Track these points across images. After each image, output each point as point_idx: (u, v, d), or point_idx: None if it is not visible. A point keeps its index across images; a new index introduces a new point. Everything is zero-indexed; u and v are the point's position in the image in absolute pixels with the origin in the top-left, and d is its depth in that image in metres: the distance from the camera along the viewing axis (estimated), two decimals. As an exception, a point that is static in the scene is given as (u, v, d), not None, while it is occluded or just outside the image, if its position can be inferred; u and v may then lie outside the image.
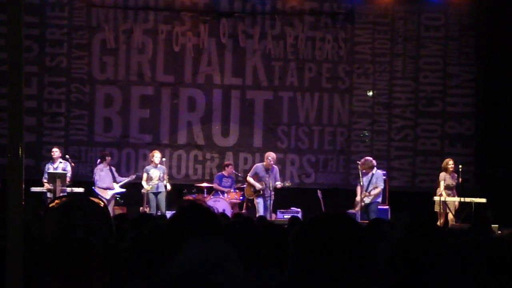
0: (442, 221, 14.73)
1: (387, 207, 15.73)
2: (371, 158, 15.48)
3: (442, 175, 15.40)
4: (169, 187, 15.91)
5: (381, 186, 15.09)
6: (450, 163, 15.40)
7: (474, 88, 18.06)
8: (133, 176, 16.45)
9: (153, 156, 16.02)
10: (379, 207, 15.21)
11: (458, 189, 15.30)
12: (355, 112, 18.16)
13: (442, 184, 15.29)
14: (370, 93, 18.19)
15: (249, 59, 18.11)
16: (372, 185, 14.98)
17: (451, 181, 15.28)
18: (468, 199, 15.10)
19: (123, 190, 16.18)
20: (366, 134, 18.16)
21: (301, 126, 18.10)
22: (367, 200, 14.86)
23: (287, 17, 18.16)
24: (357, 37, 18.19)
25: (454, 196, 15.26)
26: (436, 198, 15.14)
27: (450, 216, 14.96)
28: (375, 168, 15.23)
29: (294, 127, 18.09)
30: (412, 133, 18.12)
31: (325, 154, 18.07)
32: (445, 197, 15.13)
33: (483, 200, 15.06)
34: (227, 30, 18.03)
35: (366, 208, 14.87)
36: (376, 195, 15.05)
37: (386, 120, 18.16)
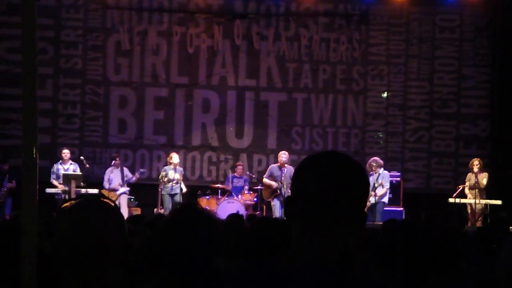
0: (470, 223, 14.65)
1: (402, 209, 15.65)
2: (378, 158, 15.42)
3: (468, 175, 15.37)
4: (184, 189, 16.03)
5: (386, 186, 15.04)
6: (475, 163, 15.31)
7: (489, 89, 17.98)
8: (138, 173, 16.35)
9: (171, 158, 16.09)
10: (388, 208, 15.12)
11: (480, 190, 15.18)
12: (370, 113, 18.12)
13: (467, 184, 15.26)
14: (385, 95, 18.14)
15: (263, 60, 18.11)
16: (379, 186, 14.92)
17: (474, 181, 15.17)
18: (483, 201, 15.02)
19: (127, 189, 16.15)
20: (381, 135, 18.11)
21: (315, 127, 18.07)
22: (372, 200, 14.78)
23: (301, 18, 18.14)
24: (371, 38, 18.15)
25: (478, 197, 15.12)
26: (451, 200, 15.08)
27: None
28: (382, 168, 15.18)
29: (308, 128, 18.06)
30: (426, 134, 18.06)
31: (339, 156, 17.99)
32: (460, 199, 15.06)
33: (499, 202, 14.98)
34: (241, 31, 18.04)
35: (372, 208, 14.78)
36: (382, 195, 14.99)
37: (400, 121, 18.10)
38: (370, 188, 14.64)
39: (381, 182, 14.93)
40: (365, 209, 2.11)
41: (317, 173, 2.06)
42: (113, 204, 2.28)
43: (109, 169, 16.24)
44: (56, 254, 2.18)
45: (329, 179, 2.03)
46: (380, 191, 14.90)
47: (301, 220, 2.05)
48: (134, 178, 16.25)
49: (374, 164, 15.08)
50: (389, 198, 15.29)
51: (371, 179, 14.85)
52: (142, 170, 16.62)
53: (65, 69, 17.79)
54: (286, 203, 2.14)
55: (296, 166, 2.16)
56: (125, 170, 16.34)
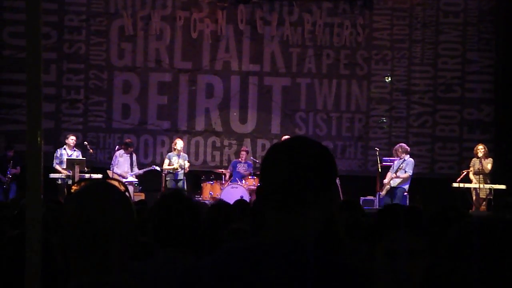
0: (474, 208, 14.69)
1: (406, 193, 15.67)
2: (404, 144, 15.53)
3: (473, 160, 15.39)
4: (187, 164, 16.01)
5: (409, 172, 15.07)
6: (479, 148, 15.33)
7: (493, 74, 17.93)
8: (150, 169, 16.39)
9: (175, 144, 16.11)
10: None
11: (484, 176, 15.19)
12: (373, 98, 18.09)
13: (471, 169, 15.28)
14: (388, 80, 18.10)
15: (267, 45, 18.07)
16: (401, 169, 14.99)
17: (478, 167, 15.19)
18: (487, 186, 15.01)
19: (135, 180, 16.13)
20: (384, 120, 18.09)
21: (319, 112, 18.06)
22: (393, 183, 14.86)
23: (305, 3, 18.08)
24: (375, 23, 18.09)
25: (483, 182, 15.13)
26: (455, 185, 15.08)
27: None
28: (408, 155, 15.26)
29: (312, 113, 18.05)
30: (430, 119, 18.03)
31: (343, 141, 18.02)
32: (464, 183, 15.07)
33: (503, 186, 14.97)
34: (244, 16, 17.98)
35: (391, 192, 14.91)
36: (404, 181, 15.03)
37: (404, 106, 18.08)
38: (393, 171, 14.75)
39: (403, 166, 14.96)
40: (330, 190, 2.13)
41: (274, 158, 2.14)
42: (122, 187, 2.28)
43: (119, 152, 16.14)
44: (63, 240, 2.18)
45: (283, 162, 2.10)
46: (401, 175, 14.97)
47: (268, 204, 2.13)
48: (142, 172, 16.24)
49: (400, 150, 15.23)
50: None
51: (396, 164, 14.97)
52: (153, 166, 16.54)
53: (69, 54, 17.77)
54: (257, 190, 2.24)
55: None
56: (134, 159, 16.25)
